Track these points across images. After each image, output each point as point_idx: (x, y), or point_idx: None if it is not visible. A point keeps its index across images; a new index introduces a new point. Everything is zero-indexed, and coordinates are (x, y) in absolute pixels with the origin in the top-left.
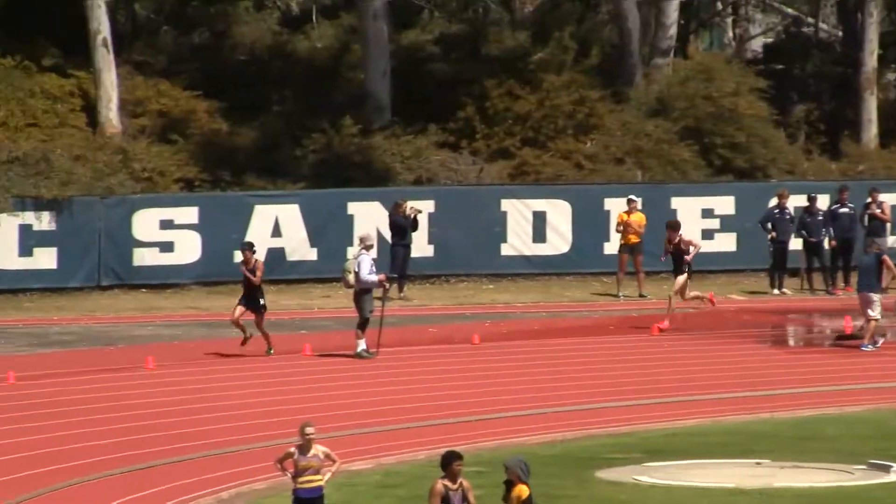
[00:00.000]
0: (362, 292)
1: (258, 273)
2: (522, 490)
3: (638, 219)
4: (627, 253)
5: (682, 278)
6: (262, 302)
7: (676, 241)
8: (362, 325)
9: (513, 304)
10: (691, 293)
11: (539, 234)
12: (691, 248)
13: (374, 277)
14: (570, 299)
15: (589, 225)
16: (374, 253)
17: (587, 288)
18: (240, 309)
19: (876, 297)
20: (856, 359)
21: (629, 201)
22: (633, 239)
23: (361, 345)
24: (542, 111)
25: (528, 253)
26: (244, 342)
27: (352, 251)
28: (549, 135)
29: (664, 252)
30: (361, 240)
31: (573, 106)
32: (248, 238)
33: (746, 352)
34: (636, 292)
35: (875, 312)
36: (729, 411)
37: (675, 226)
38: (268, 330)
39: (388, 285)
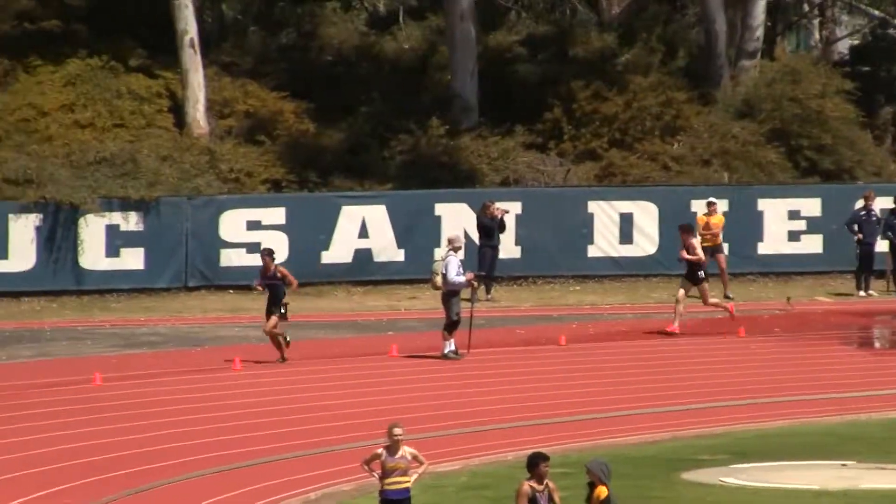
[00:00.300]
0: (450, 294)
1: (290, 278)
2: (601, 491)
3: (717, 221)
4: (709, 255)
5: (705, 286)
6: (283, 310)
7: (689, 244)
8: (449, 326)
9: (599, 305)
10: (713, 299)
11: (626, 236)
12: (695, 253)
13: (462, 279)
14: (657, 300)
15: (676, 226)
16: (461, 254)
17: (673, 290)
18: (274, 319)
19: None
20: None
21: (709, 204)
22: (714, 240)
23: (448, 346)
24: (629, 113)
25: (614, 254)
26: (286, 346)
27: (439, 252)
28: (636, 136)
29: (679, 257)
30: (450, 241)
31: (660, 108)
32: (335, 238)
33: (833, 354)
34: (721, 293)
35: None
36: (816, 413)
37: (687, 229)
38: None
39: (476, 285)
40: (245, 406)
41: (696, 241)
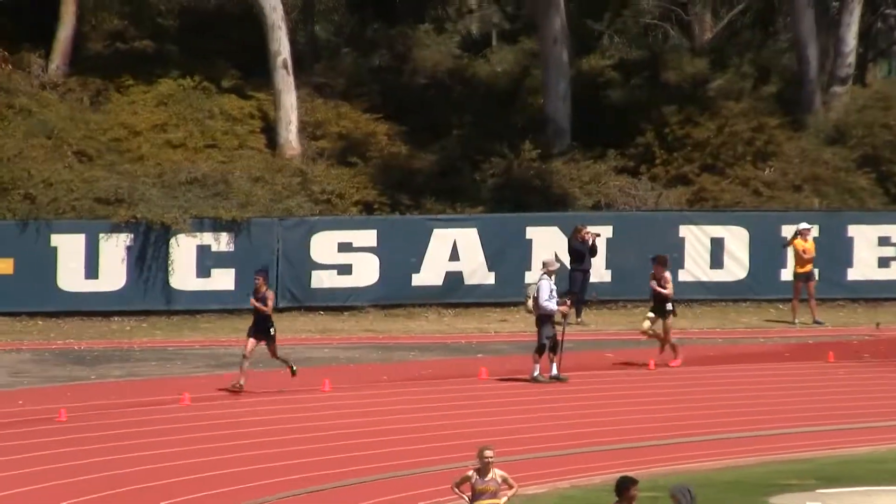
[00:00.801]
0: (543, 317)
1: (269, 302)
2: None
3: (811, 247)
4: (803, 280)
5: (670, 323)
6: (272, 331)
7: (661, 276)
8: (540, 349)
9: (689, 329)
10: (654, 330)
11: (716, 260)
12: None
13: (553, 304)
14: (746, 325)
15: (766, 251)
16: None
17: (763, 314)
18: (252, 342)
19: None
20: None
21: (804, 230)
22: (809, 266)
23: (537, 369)
24: (721, 138)
25: (704, 279)
26: (239, 387)
27: (530, 276)
28: (728, 161)
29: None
30: (544, 264)
31: (752, 133)
32: (426, 261)
33: None
34: (810, 319)
35: None
36: None
37: (662, 261)
38: (283, 355)
39: (569, 309)
40: (333, 427)
41: (669, 275)
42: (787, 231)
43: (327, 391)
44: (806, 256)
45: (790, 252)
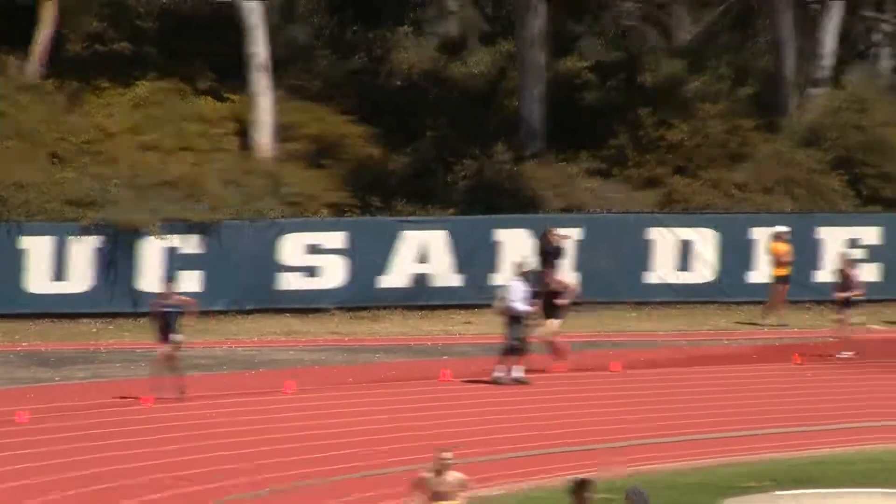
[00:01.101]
0: (512, 318)
1: (190, 305)
2: None
3: (787, 249)
4: (781, 283)
5: (557, 323)
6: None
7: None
8: (508, 351)
9: (655, 332)
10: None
11: (684, 262)
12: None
13: (524, 305)
14: (713, 328)
15: (735, 253)
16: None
17: (731, 317)
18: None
19: None
20: None
21: (781, 233)
22: (784, 270)
23: (502, 371)
24: (695, 140)
25: (672, 281)
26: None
27: (499, 278)
28: (701, 164)
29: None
30: (518, 266)
31: (727, 135)
32: (394, 263)
33: (889, 382)
34: (777, 321)
35: None
36: (872, 440)
37: (550, 263)
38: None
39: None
40: (298, 429)
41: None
42: (758, 233)
43: (292, 393)
44: (783, 259)
45: (764, 254)
